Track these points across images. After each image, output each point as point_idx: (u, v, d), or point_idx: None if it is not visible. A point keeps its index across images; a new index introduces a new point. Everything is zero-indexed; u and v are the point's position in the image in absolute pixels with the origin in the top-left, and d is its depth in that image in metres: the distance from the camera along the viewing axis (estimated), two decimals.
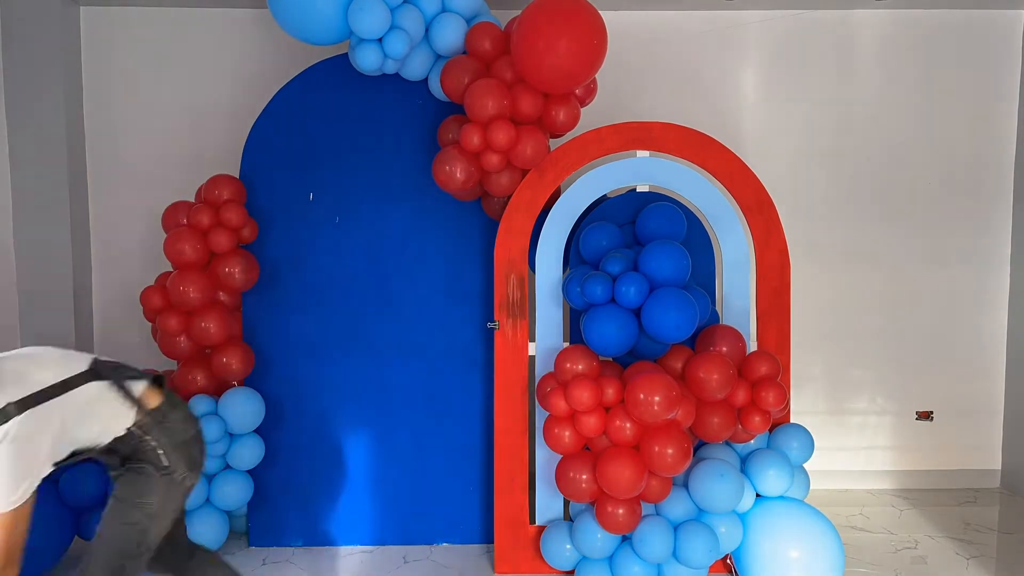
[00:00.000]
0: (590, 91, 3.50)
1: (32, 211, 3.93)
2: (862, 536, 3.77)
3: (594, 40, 3.07)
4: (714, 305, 3.38)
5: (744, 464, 3.27)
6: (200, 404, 3.39)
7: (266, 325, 3.63)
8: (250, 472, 3.58)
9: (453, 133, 3.38)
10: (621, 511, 3.01)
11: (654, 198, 3.47)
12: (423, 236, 3.64)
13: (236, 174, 3.69)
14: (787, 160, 4.29)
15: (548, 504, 3.41)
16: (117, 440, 2.13)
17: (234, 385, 3.59)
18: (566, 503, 3.41)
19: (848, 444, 4.43)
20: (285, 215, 3.62)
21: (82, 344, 4.06)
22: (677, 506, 3.12)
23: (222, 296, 3.52)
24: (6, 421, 1.86)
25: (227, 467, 3.51)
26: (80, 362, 2.09)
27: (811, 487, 3.36)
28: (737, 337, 3.21)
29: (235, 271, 3.42)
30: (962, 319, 4.40)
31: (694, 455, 3.20)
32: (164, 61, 4.14)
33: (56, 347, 2.13)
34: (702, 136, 3.42)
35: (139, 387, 2.18)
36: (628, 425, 2.95)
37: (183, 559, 2.43)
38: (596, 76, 3.39)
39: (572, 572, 3.29)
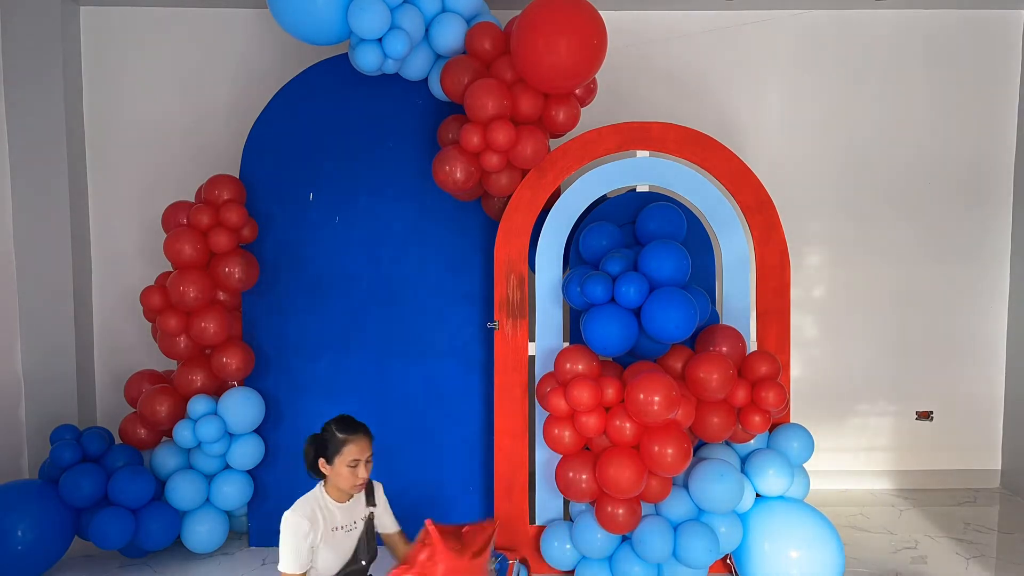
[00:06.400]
0: (590, 91, 3.50)
1: (32, 212, 3.93)
2: (862, 536, 3.77)
3: (594, 40, 3.07)
4: (714, 305, 3.38)
5: (744, 464, 3.27)
6: (200, 404, 3.40)
7: (266, 325, 3.63)
8: (250, 472, 3.59)
9: (453, 133, 3.38)
10: (621, 511, 3.01)
11: (654, 198, 3.47)
12: (423, 236, 3.64)
13: (236, 174, 3.69)
14: (786, 160, 4.29)
15: (548, 504, 3.41)
16: None
17: (234, 385, 3.59)
18: (566, 503, 3.41)
19: (848, 444, 4.43)
20: (285, 215, 3.62)
21: (82, 344, 4.07)
22: (677, 506, 3.12)
23: (222, 296, 3.53)
24: None
25: (227, 467, 3.52)
26: None
27: (811, 487, 3.36)
28: (737, 337, 3.21)
29: (235, 271, 3.42)
30: (962, 319, 4.39)
31: (694, 455, 3.20)
32: (164, 61, 4.14)
33: None
34: (702, 136, 3.42)
35: None
36: (628, 425, 2.95)
37: None
38: (596, 76, 3.39)
39: (572, 572, 3.29)
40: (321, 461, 2.55)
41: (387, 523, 2.79)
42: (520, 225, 3.40)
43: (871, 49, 4.28)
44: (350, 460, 2.52)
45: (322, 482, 2.60)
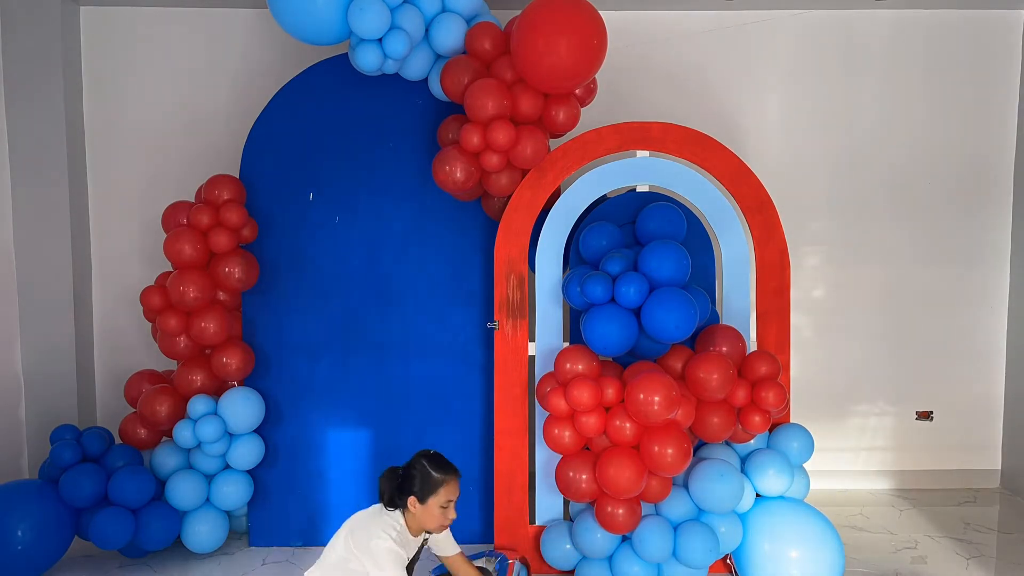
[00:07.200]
0: (590, 91, 3.50)
1: (32, 212, 3.93)
2: (862, 536, 3.77)
3: (594, 40, 3.07)
4: (714, 305, 3.38)
5: (744, 464, 3.27)
6: (200, 404, 3.40)
7: (266, 325, 3.63)
8: (250, 472, 3.59)
9: (453, 133, 3.38)
10: (621, 511, 3.01)
11: (654, 198, 3.47)
12: (423, 236, 3.64)
13: (236, 174, 3.69)
14: (787, 160, 4.29)
15: (548, 504, 3.41)
16: None
17: (234, 385, 3.60)
18: (566, 503, 3.41)
19: (848, 444, 4.43)
20: (285, 215, 3.62)
21: (82, 344, 4.07)
22: (677, 506, 3.12)
23: (222, 296, 3.53)
24: None
25: (227, 467, 3.52)
26: None
27: (811, 487, 3.36)
28: (737, 337, 3.21)
29: (235, 271, 3.42)
30: (962, 319, 4.39)
31: (694, 455, 3.20)
32: (164, 61, 4.14)
33: None
34: (702, 136, 3.42)
35: None
36: (628, 425, 2.95)
37: None
38: (596, 76, 3.39)
39: (572, 572, 3.29)
40: (412, 499, 2.54)
41: (446, 546, 2.78)
42: (520, 225, 3.40)
43: (871, 49, 4.27)
44: (444, 501, 2.53)
45: (402, 512, 2.59)
